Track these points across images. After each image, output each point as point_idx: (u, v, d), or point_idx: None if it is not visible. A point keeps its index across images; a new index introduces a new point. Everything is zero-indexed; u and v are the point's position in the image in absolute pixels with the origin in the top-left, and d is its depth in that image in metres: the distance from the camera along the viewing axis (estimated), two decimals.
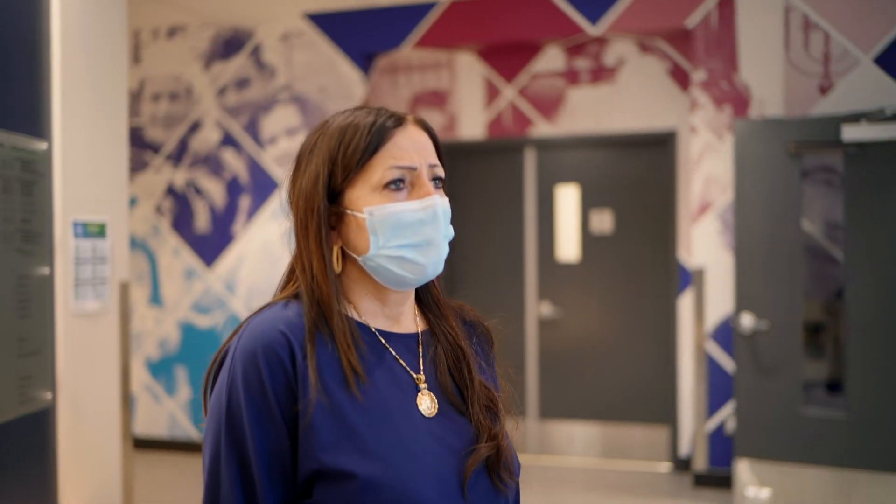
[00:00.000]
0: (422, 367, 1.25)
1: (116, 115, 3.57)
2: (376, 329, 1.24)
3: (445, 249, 1.24)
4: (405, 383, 1.22)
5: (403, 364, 1.24)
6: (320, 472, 1.10)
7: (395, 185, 1.19)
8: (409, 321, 1.30)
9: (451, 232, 1.25)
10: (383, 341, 1.24)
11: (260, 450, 1.11)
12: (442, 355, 1.28)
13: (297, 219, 1.25)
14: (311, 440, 1.11)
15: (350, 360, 1.16)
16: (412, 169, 1.21)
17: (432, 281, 1.33)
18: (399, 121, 1.24)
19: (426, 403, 1.21)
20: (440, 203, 1.22)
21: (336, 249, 1.23)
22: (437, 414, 1.22)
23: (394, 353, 1.24)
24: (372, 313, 1.25)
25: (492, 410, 1.27)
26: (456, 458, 1.18)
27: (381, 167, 1.19)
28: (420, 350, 1.27)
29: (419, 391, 1.22)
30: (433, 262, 1.22)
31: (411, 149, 1.22)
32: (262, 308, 1.23)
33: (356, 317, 1.24)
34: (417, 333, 1.29)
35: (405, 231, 1.19)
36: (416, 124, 1.26)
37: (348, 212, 1.21)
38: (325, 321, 1.18)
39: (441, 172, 1.26)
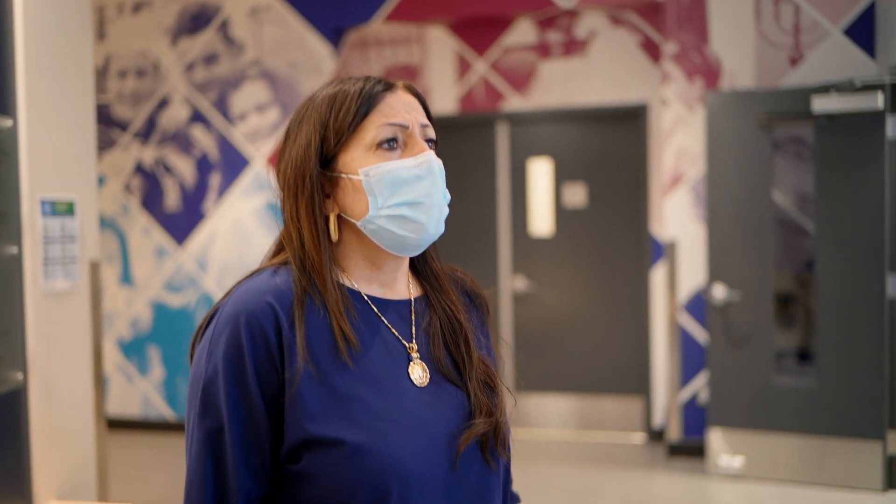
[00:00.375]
0: (414, 336, 1.24)
1: (82, 91, 3.51)
2: (369, 296, 1.23)
3: (445, 209, 1.24)
4: (397, 352, 1.21)
5: (396, 333, 1.23)
6: (308, 441, 1.10)
7: (388, 145, 1.19)
8: (403, 287, 1.29)
9: (447, 194, 1.25)
10: (375, 309, 1.23)
11: (235, 421, 1.11)
12: (437, 326, 1.27)
13: (287, 189, 1.23)
14: (299, 409, 1.10)
15: (342, 327, 1.15)
16: (404, 126, 1.20)
17: (430, 252, 1.33)
18: (388, 85, 1.23)
19: (418, 373, 1.21)
20: (435, 160, 1.22)
21: (332, 217, 1.22)
22: (429, 384, 1.21)
23: (386, 321, 1.23)
24: (366, 279, 1.24)
25: (489, 386, 1.27)
26: (448, 428, 1.18)
27: (374, 127, 1.19)
28: (413, 318, 1.26)
29: (411, 360, 1.22)
30: (433, 220, 1.21)
31: (402, 109, 1.22)
32: (251, 274, 1.22)
33: (348, 284, 1.23)
34: (410, 300, 1.28)
35: (403, 188, 1.18)
36: (405, 89, 1.26)
37: (343, 175, 1.20)
38: (317, 289, 1.17)
39: (433, 134, 1.26)
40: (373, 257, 1.24)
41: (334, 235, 1.22)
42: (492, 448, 1.22)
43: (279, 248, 1.27)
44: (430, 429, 1.16)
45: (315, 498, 1.11)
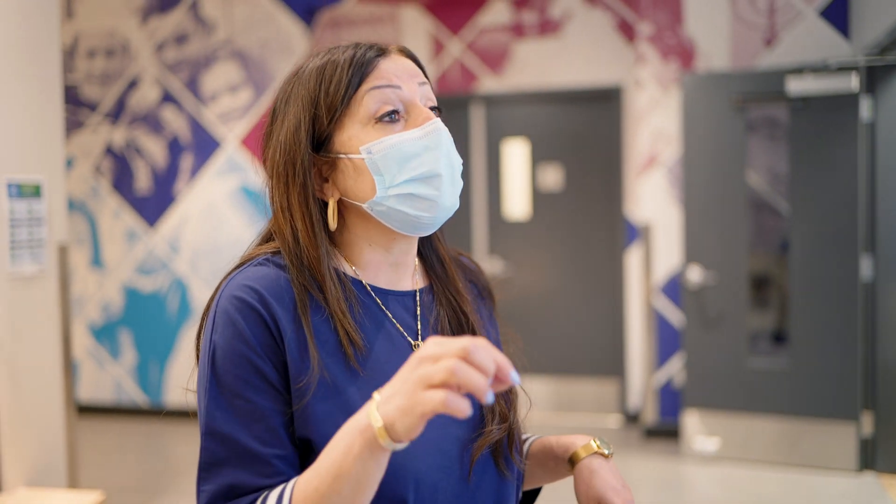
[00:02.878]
0: (419, 330, 1.16)
1: (49, 71, 3.43)
2: (373, 287, 1.14)
3: (459, 181, 1.12)
4: (403, 350, 1.12)
5: (401, 328, 1.14)
6: (314, 444, 1.01)
7: (389, 118, 1.08)
8: (409, 275, 1.19)
9: (460, 162, 1.13)
10: (379, 301, 1.13)
11: (257, 404, 1.01)
12: (444, 322, 1.18)
13: (276, 176, 1.11)
14: (305, 412, 1.02)
15: (347, 330, 1.06)
16: (396, 88, 1.09)
17: (437, 236, 1.24)
18: (381, 50, 1.12)
19: None
20: (443, 128, 1.10)
21: (332, 202, 1.11)
22: None
23: (391, 315, 1.14)
24: (374, 265, 1.14)
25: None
26: (459, 430, 1.10)
27: (370, 98, 1.08)
28: (418, 311, 1.17)
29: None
30: (447, 194, 1.10)
31: (399, 73, 1.11)
32: (241, 264, 1.11)
33: (351, 273, 1.13)
34: (415, 291, 1.19)
35: (411, 162, 1.07)
36: (399, 52, 1.15)
37: (342, 156, 1.08)
38: (316, 286, 1.07)
39: (434, 99, 1.14)
40: (381, 240, 1.13)
41: (333, 223, 1.11)
42: (506, 455, 1.14)
43: (267, 238, 1.17)
44: (441, 432, 1.08)
45: None
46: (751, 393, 4.77)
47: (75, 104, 6.12)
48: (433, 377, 0.84)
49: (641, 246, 5.32)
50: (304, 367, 1.03)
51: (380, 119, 1.08)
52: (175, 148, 5.96)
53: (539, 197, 5.91)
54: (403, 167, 1.07)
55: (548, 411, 5.97)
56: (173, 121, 5.95)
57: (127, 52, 6.03)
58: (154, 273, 6.03)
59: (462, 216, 6.00)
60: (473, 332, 1.19)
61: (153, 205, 6.03)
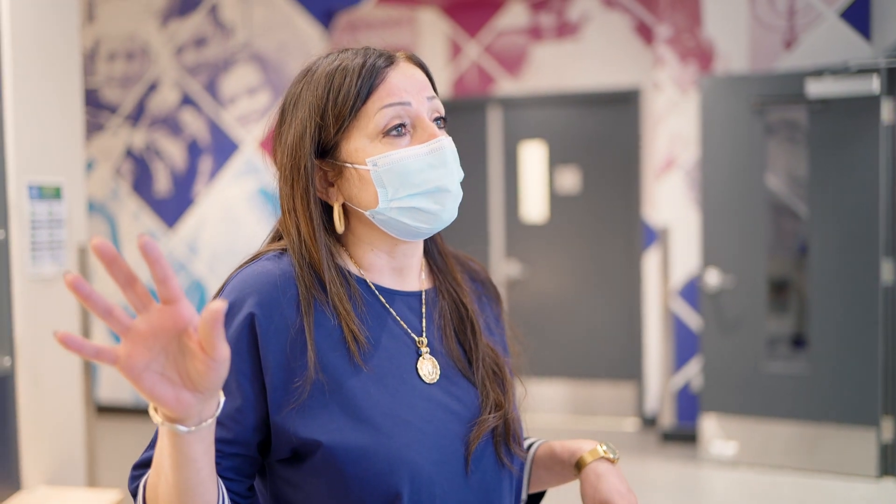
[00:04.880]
0: (423, 329, 1.17)
1: (70, 74, 3.46)
2: (377, 286, 1.16)
3: (459, 193, 1.14)
4: (406, 346, 1.14)
5: (405, 326, 1.16)
6: (320, 443, 1.03)
7: (396, 131, 1.10)
8: (415, 277, 1.21)
9: (461, 174, 1.16)
10: (383, 300, 1.15)
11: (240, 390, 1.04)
12: (447, 316, 1.20)
13: (283, 178, 1.15)
14: (304, 410, 1.04)
15: (350, 325, 1.08)
16: (406, 104, 1.11)
17: (436, 235, 1.26)
18: (390, 59, 1.14)
19: (427, 368, 1.13)
20: (448, 144, 1.13)
21: (337, 207, 1.13)
22: (440, 379, 1.14)
23: (395, 313, 1.16)
24: (378, 268, 1.17)
25: (499, 377, 1.20)
26: (460, 426, 1.11)
27: (378, 111, 1.09)
28: (423, 310, 1.19)
29: (420, 355, 1.14)
30: (448, 209, 1.13)
31: (408, 87, 1.12)
32: (251, 259, 1.14)
33: (357, 272, 1.15)
34: (421, 292, 1.21)
35: (414, 178, 1.09)
36: (408, 60, 1.17)
37: (348, 165, 1.11)
38: (320, 283, 1.10)
39: (442, 110, 1.16)
40: (382, 245, 1.16)
41: (340, 227, 1.14)
42: (505, 444, 1.15)
43: (277, 236, 1.20)
44: (441, 427, 1.10)
45: (322, 501, 1.05)
46: (769, 397, 4.74)
47: (96, 107, 6.16)
48: None
49: (659, 249, 5.30)
50: (302, 366, 1.05)
51: (387, 133, 1.10)
52: (194, 150, 5.99)
53: (556, 200, 5.91)
54: (406, 182, 1.09)
55: (565, 414, 5.96)
56: (192, 123, 5.98)
57: (147, 56, 6.07)
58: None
59: (479, 218, 6.00)
60: (473, 326, 1.21)
61: (172, 207, 6.06)
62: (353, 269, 1.16)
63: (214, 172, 5.95)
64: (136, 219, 6.13)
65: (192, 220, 6.01)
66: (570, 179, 5.87)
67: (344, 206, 1.15)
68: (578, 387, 5.94)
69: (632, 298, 5.74)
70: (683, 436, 5.22)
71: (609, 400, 5.88)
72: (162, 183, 6.08)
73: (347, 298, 1.11)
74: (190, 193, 6.01)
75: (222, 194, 5.94)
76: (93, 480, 3.51)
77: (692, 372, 5.22)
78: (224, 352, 0.81)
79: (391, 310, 1.15)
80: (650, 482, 4.64)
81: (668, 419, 5.29)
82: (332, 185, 1.14)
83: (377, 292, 1.16)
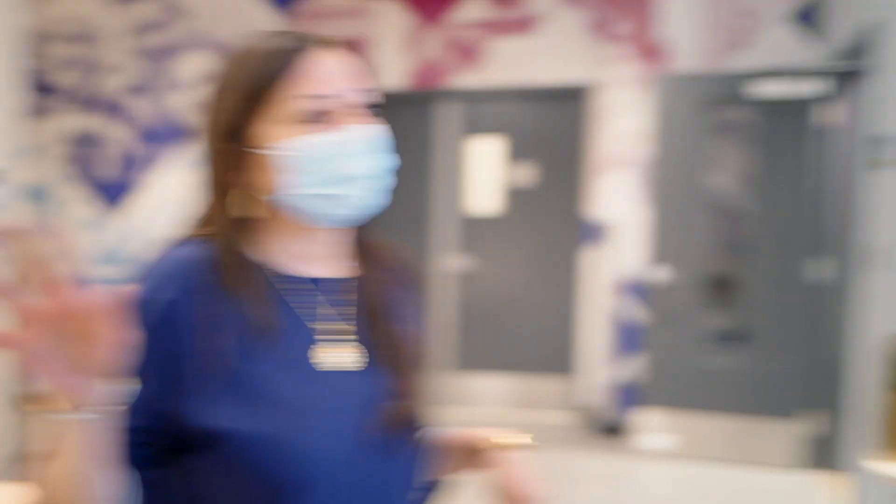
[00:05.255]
0: (331, 316, 1.15)
1: (11, 56, 3.39)
2: (286, 273, 1.13)
3: (373, 181, 1.12)
4: (306, 333, 1.12)
5: (305, 312, 1.13)
6: (204, 429, 1.03)
7: (306, 117, 1.07)
8: (331, 264, 1.18)
9: (389, 161, 1.13)
10: (289, 287, 1.13)
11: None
12: (363, 305, 1.18)
13: (204, 160, 1.15)
14: (205, 396, 1.03)
15: (252, 313, 1.07)
16: (318, 91, 1.08)
17: (368, 221, 1.23)
18: (308, 42, 1.10)
19: (331, 356, 1.12)
20: (361, 132, 1.10)
21: (241, 192, 1.12)
22: (345, 366, 1.13)
23: (299, 301, 1.13)
24: (289, 255, 1.14)
25: (411, 365, 1.18)
26: (360, 415, 1.10)
27: (289, 96, 1.07)
28: (336, 297, 1.17)
29: (322, 342, 1.12)
30: (357, 196, 1.10)
31: (322, 73, 1.09)
32: (175, 244, 1.15)
33: (268, 259, 1.13)
34: (337, 278, 1.18)
35: (321, 167, 1.07)
36: (329, 46, 1.12)
37: (256, 150, 1.09)
38: (227, 267, 1.09)
39: (370, 98, 1.14)
40: (290, 231, 1.13)
41: (249, 211, 1.12)
42: (405, 433, 1.14)
43: (198, 222, 1.19)
44: (340, 415, 1.09)
45: (211, 490, 1.05)
46: (707, 391, 4.83)
47: (42, 90, 6.04)
48: None
49: (605, 244, 5.34)
50: (209, 354, 1.04)
51: (297, 119, 1.08)
52: (143, 136, 5.90)
53: (511, 194, 5.92)
54: (311, 168, 1.07)
55: (509, 407, 5.98)
56: (142, 108, 5.89)
57: (97, 39, 5.96)
58: (120, 263, 5.97)
59: (431, 212, 5.99)
60: (389, 312, 1.19)
61: (119, 193, 5.97)
62: (263, 255, 1.14)
63: (163, 159, 5.87)
64: (81, 204, 6.03)
65: (139, 207, 5.93)
66: (525, 173, 5.88)
67: (250, 192, 1.13)
68: (521, 380, 5.96)
69: (577, 292, 5.76)
70: (623, 428, 5.26)
71: (551, 392, 5.91)
72: (109, 168, 5.98)
73: (250, 284, 1.09)
74: (138, 180, 5.93)
75: (171, 181, 5.87)
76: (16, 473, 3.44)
77: (634, 365, 5.27)
78: (122, 337, 0.81)
79: (295, 298, 1.13)
80: (589, 475, 4.68)
81: (607, 412, 5.33)
82: (238, 169, 1.12)
83: (283, 279, 1.13)
